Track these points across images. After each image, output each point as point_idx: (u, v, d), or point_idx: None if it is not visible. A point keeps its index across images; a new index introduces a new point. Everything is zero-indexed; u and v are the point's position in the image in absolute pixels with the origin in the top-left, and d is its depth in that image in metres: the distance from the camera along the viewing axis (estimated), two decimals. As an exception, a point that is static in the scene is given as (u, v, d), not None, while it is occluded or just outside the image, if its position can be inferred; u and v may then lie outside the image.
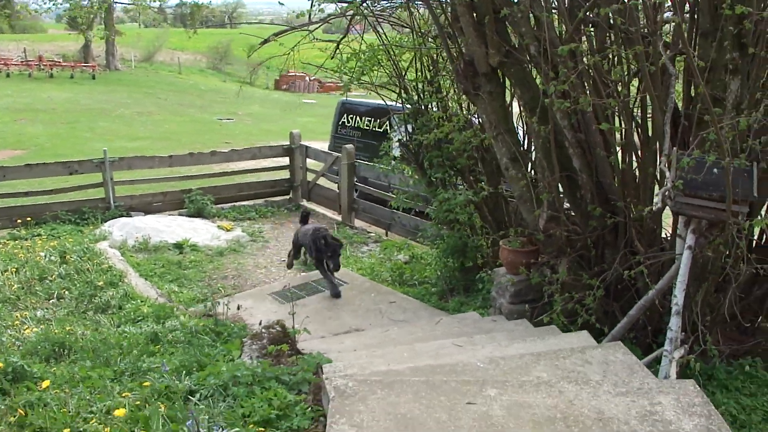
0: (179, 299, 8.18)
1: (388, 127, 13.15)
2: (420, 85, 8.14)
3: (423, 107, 8.13)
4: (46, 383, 4.11)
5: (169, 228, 11.38)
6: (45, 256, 9.26)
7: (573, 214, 6.17)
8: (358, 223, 12.79)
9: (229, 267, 10.21)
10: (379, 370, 4.32)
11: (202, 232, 11.53)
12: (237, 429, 3.30)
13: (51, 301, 7.76)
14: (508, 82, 6.49)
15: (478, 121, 7.92)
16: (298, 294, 8.21)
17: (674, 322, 4.96)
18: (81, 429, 3.52)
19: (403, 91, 8.25)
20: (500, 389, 3.65)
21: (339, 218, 12.98)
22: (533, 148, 6.84)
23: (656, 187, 5.72)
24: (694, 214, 4.86)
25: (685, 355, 5.02)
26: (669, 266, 5.26)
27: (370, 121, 13.98)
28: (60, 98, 32.06)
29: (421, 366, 4.57)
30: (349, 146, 12.44)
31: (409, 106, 8.20)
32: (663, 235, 5.90)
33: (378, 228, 12.32)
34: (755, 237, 5.66)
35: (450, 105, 8.11)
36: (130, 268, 9.24)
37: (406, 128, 8.36)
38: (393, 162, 9.11)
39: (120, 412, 3.44)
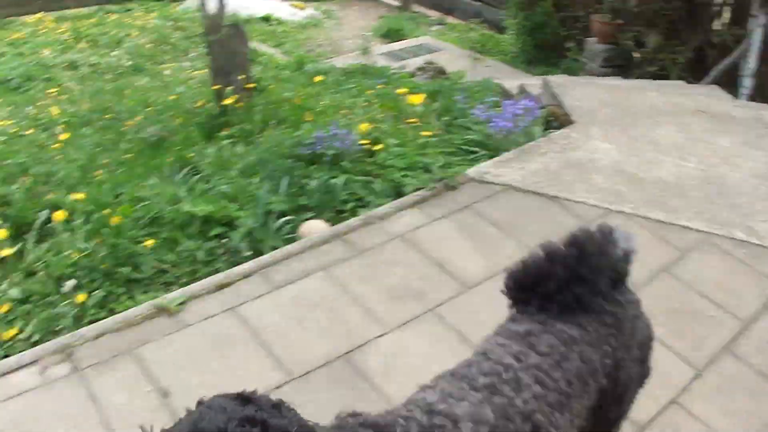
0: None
1: None
2: None
3: None
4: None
5: (253, 3, 11.64)
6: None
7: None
8: (416, 7, 12.62)
9: (319, 38, 10.43)
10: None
11: (280, 8, 11.67)
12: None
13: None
14: None
15: None
16: (403, 55, 8.74)
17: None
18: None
19: None
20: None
21: (398, 3, 12.76)
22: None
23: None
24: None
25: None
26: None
27: None
28: None
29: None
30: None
31: None
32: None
33: (437, 12, 12.28)
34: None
35: None
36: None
37: None
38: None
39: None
